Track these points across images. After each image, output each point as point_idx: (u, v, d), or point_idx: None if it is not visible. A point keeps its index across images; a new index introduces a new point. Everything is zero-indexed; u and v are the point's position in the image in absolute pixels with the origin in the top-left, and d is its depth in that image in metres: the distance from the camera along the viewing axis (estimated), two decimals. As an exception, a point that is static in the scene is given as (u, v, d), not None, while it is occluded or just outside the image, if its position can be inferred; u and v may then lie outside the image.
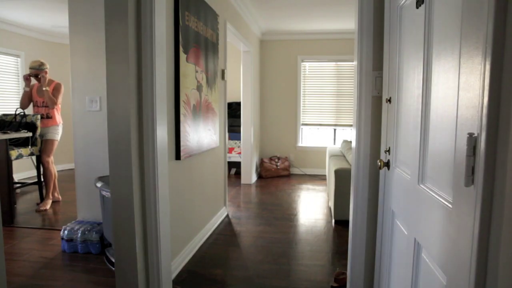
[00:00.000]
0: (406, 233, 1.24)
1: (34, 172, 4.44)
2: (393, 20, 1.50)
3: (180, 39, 2.40)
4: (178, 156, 2.47)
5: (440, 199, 0.92)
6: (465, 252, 0.75)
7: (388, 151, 1.52)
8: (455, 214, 0.81)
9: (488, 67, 0.68)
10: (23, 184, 4.22)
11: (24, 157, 3.96)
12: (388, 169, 1.51)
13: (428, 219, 1.02)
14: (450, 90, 0.88)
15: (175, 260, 2.44)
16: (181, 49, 2.43)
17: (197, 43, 2.77)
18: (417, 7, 1.14)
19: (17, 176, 5.11)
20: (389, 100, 1.52)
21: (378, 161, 1.60)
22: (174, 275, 2.39)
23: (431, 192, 1.00)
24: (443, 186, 0.92)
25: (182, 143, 2.50)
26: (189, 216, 2.78)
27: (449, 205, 0.86)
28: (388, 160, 1.51)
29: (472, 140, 0.72)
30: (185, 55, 2.52)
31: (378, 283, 1.68)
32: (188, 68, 2.58)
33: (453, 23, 0.88)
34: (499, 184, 0.69)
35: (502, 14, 0.67)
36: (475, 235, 0.72)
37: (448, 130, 0.89)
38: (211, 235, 3.23)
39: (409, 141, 1.22)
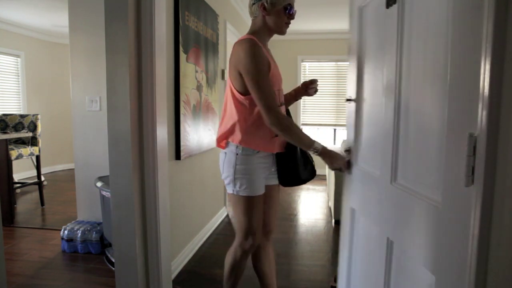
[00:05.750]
0: (375, 231, 1.23)
1: (34, 172, 4.44)
2: (353, 21, 1.49)
3: (180, 39, 2.40)
4: (178, 156, 2.47)
5: (424, 198, 0.92)
6: (462, 251, 0.75)
7: (348, 150, 1.50)
8: (448, 214, 0.81)
9: (488, 67, 0.68)
10: (23, 184, 4.22)
11: (24, 157, 3.96)
12: (348, 169, 1.51)
13: (407, 219, 1.02)
14: (435, 88, 0.89)
15: (175, 260, 2.44)
16: (181, 49, 2.43)
17: (197, 43, 2.77)
18: (387, 7, 1.13)
19: (17, 176, 5.11)
20: (349, 100, 1.48)
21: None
22: (174, 275, 2.39)
23: (408, 192, 1.00)
24: (428, 185, 0.92)
25: (182, 143, 2.50)
26: (189, 216, 2.78)
27: (437, 205, 0.86)
28: (349, 160, 1.50)
29: (472, 140, 0.72)
30: (185, 55, 2.52)
31: (349, 280, 1.62)
32: (188, 68, 2.58)
33: (438, 21, 0.88)
34: (500, 184, 0.69)
35: (503, 11, 0.67)
36: (475, 235, 0.72)
37: (434, 132, 0.89)
38: (211, 235, 3.23)
39: (378, 141, 1.20)
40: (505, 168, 0.68)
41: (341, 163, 1.50)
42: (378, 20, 1.23)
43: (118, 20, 1.72)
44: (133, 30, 1.76)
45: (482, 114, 0.70)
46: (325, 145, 1.55)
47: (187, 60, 2.55)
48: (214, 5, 3.20)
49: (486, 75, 0.69)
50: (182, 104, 2.48)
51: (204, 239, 3.10)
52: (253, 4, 1.60)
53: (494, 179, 0.70)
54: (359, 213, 1.42)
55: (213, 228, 3.37)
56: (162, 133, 1.91)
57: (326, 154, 1.52)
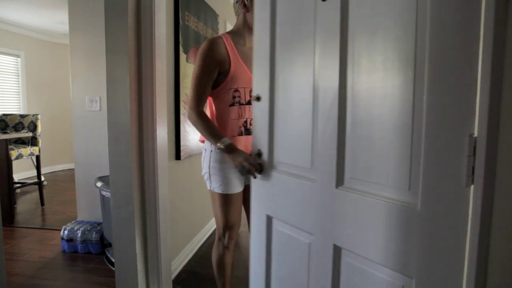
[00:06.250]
0: (312, 239, 1.15)
1: (34, 172, 4.44)
2: (262, 12, 1.30)
3: (180, 39, 2.40)
4: (178, 156, 2.47)
5: (389, 201, 0.89)
6: (456, 252, 0.75)
7: (259, 154, 1.35)
8: (437, 216, 0.79)
9: (488, 66, 0.68)
10: (23, 184, 4.22)
11: (24, 157, 3.96)
12: (260, 173, 1.35)
13: (364, 223, 0.96)
14: (398, 83, 0.86)
15: (175, 260, 2.44)
16: (181, 49, 2.43)
17: (197, 43, 2.77)
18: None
19: (17, 176, 5.11)
20: (258, 98, 1.34)
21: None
22: (174, 275, 2.39)
23: (365, 195, 0.95)
24: (394, 187, 0.88)
25: (182, 143, 2.50)
26: (189, 216, 2.78)
27: (411, 206, 0.84)
28: (260, 164, 1.35)
29: (472, 140, 0.72)
30: (185, 55, 2.52)
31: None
32: (188, 68, 2.58)
33: (401, 11, 0.85)
34: (500, 184, 0.69)
35: (503, 8, 0.66)
36: (476, 235, 0.71)
37: (397, 131, 0.87)
38: (211, 235, 3.23)
39: (312, 143, 1.12)
40: (505, 168, 0.68)
41: (245, 163, 1.36)
42: (306, 10, 1.13)
43: (118, 20, 1.72)
44: (133, 30, 1.76)
45: (482, 114, 0.69)
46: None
47: (187, 60, 2.55)
48: (214, 5, 3.20)
49: (486, 75, 0.69)
50: (182, 104, 2.48)
51: (204, 239, 3.10)
52: (236, 2, 1.64)
53: (494, 179, 0.69)
54: (282, 221, 1.29)
55: (213, 228, 3.37)
56: (162, 133, 1.91)
57: (231, 151, 1.48)
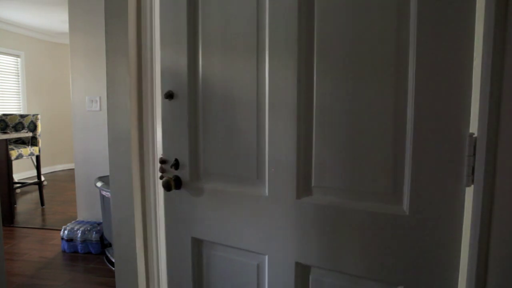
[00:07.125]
0: (268, 259, 1.02)
1: (34, 172, 4.45)
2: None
3: (180, 39, 2.40)
4: (178, 156, 2.47)
5: (370, 208, 0.85)
6: (449, 253, 0.75)
7: (175, 165, 1.17)
8: (427, 219, 0.78)
9: (488, 66, 0.68)
10: (23, 184, 4.22)
11: (24, 157, 3.96)
12: (179, 188, 1.17)
13: (341, 234, 0.89)
14: (374, 82, 0.80)
15: (175, 260, 2.44)
16: (181, 49, 2.42)
17: (197, 43, 2.77)
18: None
19: (17, 176, 5.11)
20: (170, 96, 1.15)
21: (164, 180, 1.16)
22: (174, 275, 2.39)
23: (339, 204, 0.89)
24: (375, 193, 0.85)
25: (182, 143, 2.50)
26: (189, 216, 2.78)
27: (396, 212, 0.81)
28: (177, 177, 1.16)
29: (472, 140, 0.72)
30: (185, 55, 2.52)
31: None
32: (188, 68, 2.58)
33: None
34: (500, 184, 0.69)
35: (503, 8, 0.66)
36: (476, 235, 0.71)
37: (377, 133, 0.82)
38: (211, 235, 3.23)
39: (260, 150, 0.99)
40: (505, 168, 0.68)
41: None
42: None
43: (118, 19, 1.72)
44: (133, 30, 1.76)
45: (482, 114, 0.69)
46: None
47: (187, 60, 2.55)
48: (214, 5, 3.20)
49: (486, 75, 0.68)
50: (182, 104, 2.48)
51: (204, 239, 3.09)
52: None
53: (494, 179, 0.69)
54: (218, 243, 1.11)
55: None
56: (162, 133, 1.91)
57: None
